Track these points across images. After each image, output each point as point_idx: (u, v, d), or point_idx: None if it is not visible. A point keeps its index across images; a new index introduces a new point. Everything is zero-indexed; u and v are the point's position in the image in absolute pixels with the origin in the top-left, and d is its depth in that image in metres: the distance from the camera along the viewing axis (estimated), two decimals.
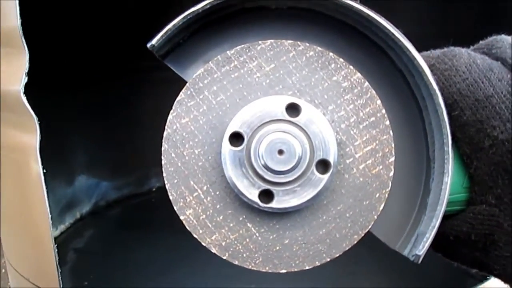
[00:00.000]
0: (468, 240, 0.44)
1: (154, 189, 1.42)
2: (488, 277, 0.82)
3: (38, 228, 0.61)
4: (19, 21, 0.49)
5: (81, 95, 1.19)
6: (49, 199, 0.56)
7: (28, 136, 0.55)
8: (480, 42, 0.46)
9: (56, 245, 0.58)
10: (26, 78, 0.51)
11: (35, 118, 0.53)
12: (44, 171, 0.55)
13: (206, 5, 0.40)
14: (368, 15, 0.41)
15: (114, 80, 1.25)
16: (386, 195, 0.42)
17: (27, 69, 0.51)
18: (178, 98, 0.41)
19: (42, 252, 0.61)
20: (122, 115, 1.33)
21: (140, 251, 1.10)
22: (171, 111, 0.41)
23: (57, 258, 0.58)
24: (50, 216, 0.56)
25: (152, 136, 1.42)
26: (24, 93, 0.53)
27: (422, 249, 0.41)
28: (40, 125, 0.53)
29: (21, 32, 0.50)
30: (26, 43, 0.52)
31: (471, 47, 0.45)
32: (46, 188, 0.56)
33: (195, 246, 0.97)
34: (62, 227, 1.20)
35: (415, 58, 0.41)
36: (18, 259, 0.70)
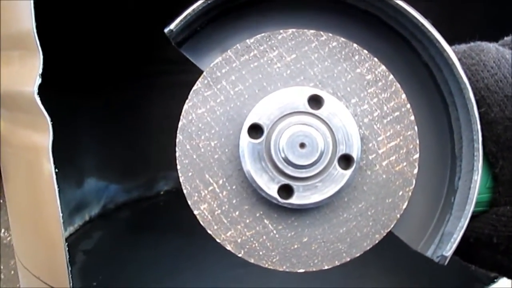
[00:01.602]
0: (489, 243, 0.42)
1: (162, 192, 1.43)
2: (495, 280, 0.82)
3: (49, 227, 0.62)
4: (34, 23, 0.50)
5: (92, 98, 1.20)
6: (60, 199, 0.57)
7: (40, 135, 0.56)
8: (505, 38, 0.44)
9: (66, 243, 0.59)
10: (40, 79, 0.52)
11: (48, 118, 0.54)
12: (56, 170, 0.56)
13: None
14: (396, 3, 0.39)
15: (123, 85, 1.27)
16: (410, 193, 0.41)
17: (41, 70, 0.52)
18: (195, 87, 0.40)
19: (52, 251, 0.62)
20: (131, 119, 1.34)
21: (147, 252, 1.11)
22: (187, 101, 0.40)
23: (67, 257, 0.59)
24: (61, 215, 0.58)
25: (160, 140, 1.44)
26: (38, 94, 0.54)
27: (449, 250, 0.39)
28: (52, 125, 0.54)
29: (35, 34, 0.51)
30: (41, 46, 0.53)
31: (497, 42, 0.43)
32: (58, 188, 0.57)
33: (202, 248, 0.97)
34: (71, 229, 1.22)
35: (445, 50, 0.39)
36: (29, 258, 0.71)
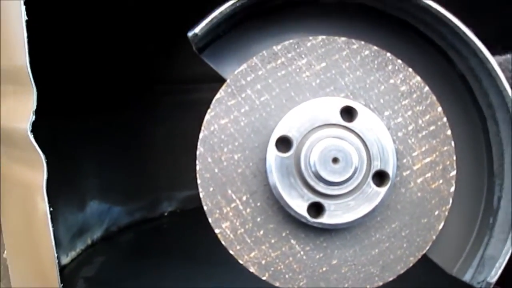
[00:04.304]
0: None
1: (165, 214, 1.41)
2: None
3: (44, 263, 0.60)
4: (27, 59, 0.49)
5: (93, 121, 1.19)
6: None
7: (34, 173, 0.54)
8: None
9: (62, 284, 0.57)
10: (34, 117, 0.51)
11: (42, 156, 0.53)
12: (51, 209, 0.54)
13: None
14: (438, 11, 0.37)
15: (125, 107, 1.26)
16: (446, 213, 0.39)
17: (35, 107, 0.51)
18: (217, 96, 0.38)
19: (48, 284, 0.60)
20: (133, 140, 1.33)
21: (150, 278, 1.09)
22: (209, 111, 0.38)
23: None
24: (56, 255, 0.56)
25: (163, 160, 1.42)
26: (34, 126, 0.52)
27: (494, 275, 0.38)
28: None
29: (29, 70, 0.50)
30: (34, 74, 0.52)
31: None
32: (53, 225, 0.56)
33: (206, 274, 0.94)
34: (73, 254, 1.19)
35: (488, 61, 0.37)
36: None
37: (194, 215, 1.29)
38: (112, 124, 1.24)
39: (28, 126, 0.51)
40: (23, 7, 0.47)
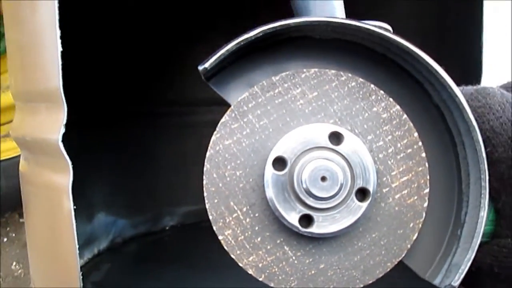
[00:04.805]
0: (490, 272, 0.43)
1: (167, 228, 1.49)
2: None
3: (66, 257, 0.68)
4: (61, 83, 0.58)
5: (101, 135, 1.27)
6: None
7: (61, 176, 0.64)
8: (508, 80, 0.46)
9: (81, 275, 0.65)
10: (64, 129, 0.60)
11: (69, 161, 0.62)
12: (74, 207, 0.63)
13: (258, 33, 0.40)
14: (413, 50, 0.41)
15: (133, 124, 1.34)
16: (420, 225, 0.42)
17: (65, 121, 0.60)
18: (222, 120, 0.41)
19: (68, 278, 0.68)
20: (139, 157, 1.41)
21: (152, 284, 1.17)
22: (215, 132, 0.41)
23: (81, 284, 0.66)
24: (77, 247, 0.64)
25: (166, 178, 1.51)
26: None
27: (457, 280, 0.41)
28: (72, 167, 0.62)
29: (61, 92, 0.59)
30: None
31: (499, 85, 0.46)
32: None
33: (203, 278, 1.05)
34: (81, 262, 1.28)
35: (456, 96, 0.41)
36: (45, 284, 0.78)
37: (193, 229, 1.38)
38: (119, 141, 1.33)
39: (59, 137, 0.60)
40: (59, 41, 0.57)
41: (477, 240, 0.41)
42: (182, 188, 1.45)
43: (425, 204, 0.42)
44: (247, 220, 0.41)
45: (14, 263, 1.76)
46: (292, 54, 0.44)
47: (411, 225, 0.42)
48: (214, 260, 1.17)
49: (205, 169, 0.41)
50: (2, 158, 1.70)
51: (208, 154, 0.41)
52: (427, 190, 0.42)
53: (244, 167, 0.41)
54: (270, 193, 0.40)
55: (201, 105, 1.34)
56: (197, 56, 1.37)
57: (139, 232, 1.43)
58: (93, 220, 1.33)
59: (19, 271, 1.76)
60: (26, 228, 0.83)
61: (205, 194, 0.41)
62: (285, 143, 0.40)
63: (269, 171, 0.40)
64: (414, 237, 0.42)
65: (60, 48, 0.57)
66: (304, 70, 0.42)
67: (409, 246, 0.42)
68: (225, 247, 0.41)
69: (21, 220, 1.85)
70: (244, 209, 0.41)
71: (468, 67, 0.95)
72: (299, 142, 0.40)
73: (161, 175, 1.44)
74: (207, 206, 0.41)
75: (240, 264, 0.41)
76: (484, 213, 0.41)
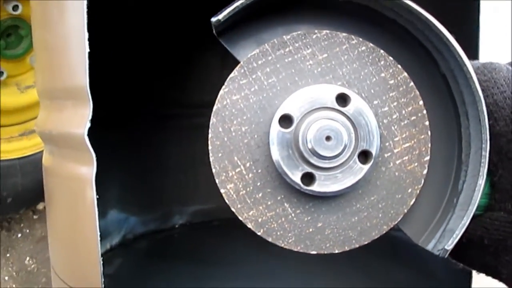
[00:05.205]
0: (480, 244, 0.43)
1: (177, 226, 1.53)
2: None
3: (88, 244, 0.72)
4: (87, 81, 0.63)
5: (116, 135, 1.31)
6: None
7: (86, 168, 0.69)
8: None
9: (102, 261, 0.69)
10: (89, 124, 0.65)
11: (93, 154, 0.67)
12: (97, 196, 0.68)
13: None
14: (426, 17, 0.41)
15: (144, 124, 1.39)
16: (418, 191, 0.42)
17: (91, 116, 0.65)
18: (231, 75, 0.41)
19: (89, 265, 0.73)
20: (150, 157, 1.46)
21: (162, 278, 1.22)
22: (223, 87, 0.41)
23: (101, 269, 0.70)
24: (99, 234, 0.69)
25: (176, 177, 1.55)
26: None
27: (451, 244, 0.41)
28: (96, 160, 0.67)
29: (88, 89, 0.63)
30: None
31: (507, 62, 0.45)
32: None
33: (211, 275, 1.11)
34: None
35: (465, 65, 0.41)
36: (64, 269, 0.82)
37: (202, 228, 1.43)
38: (131, 140, 1.38)
39: (84, 131, 0.65)
40: (87, 43, 0.62)
41: (473, 208, 0.41)
42: (191, 188, 1.50)
43: (425, 171, 0.43)
44: (250, 175, 0.41)
45: (27, 258, 1.81)
46: (303, 16, 0.44)
47: (409, 190, 0.42)
48: (222, 257, 1.22)
49: (211, 122, 0.41)
50: (19, 156, 1.75)
51: (215, 108, 0.41)
52: (427, 158, 0.42)
53: (250, 123, 0.41)
54: (274, 150, 0.40)
55: (209, 108, 1.36)
56: (206, 61, 1.43)
57: (149, 229, 1.47)
58: (106, 216, 1.38)
59: (32, 266, 1.81)
60: (47, 218, 0.88)
61: (209, 147, 0.41)
62: (292, 102, 0.40)
63: (275, 128, 0.40)
64: (411, 203, 0.43)
65: (87, 49, 0.62)
66: (316, 31, 0.42)
67: (405, 210, 0.43)
68: (226, 201, 0.41)
69: (34, 216, 1.91)
70: (248, 164, 0.41)
71: None
72: (306, 102, 0.40)
73: (171, 175, 1.48)
74: (211, 159, 0.41)
75: (240, 218, 0.41)
76: (482, 182, 0.41)
